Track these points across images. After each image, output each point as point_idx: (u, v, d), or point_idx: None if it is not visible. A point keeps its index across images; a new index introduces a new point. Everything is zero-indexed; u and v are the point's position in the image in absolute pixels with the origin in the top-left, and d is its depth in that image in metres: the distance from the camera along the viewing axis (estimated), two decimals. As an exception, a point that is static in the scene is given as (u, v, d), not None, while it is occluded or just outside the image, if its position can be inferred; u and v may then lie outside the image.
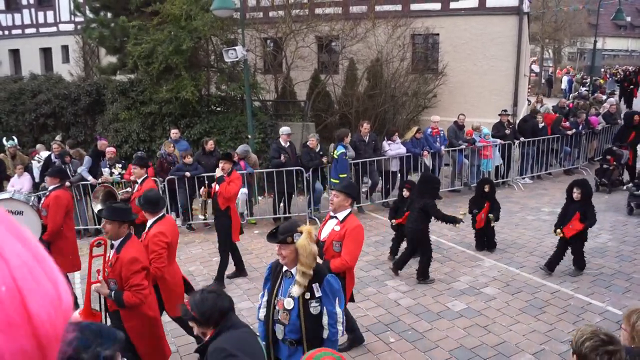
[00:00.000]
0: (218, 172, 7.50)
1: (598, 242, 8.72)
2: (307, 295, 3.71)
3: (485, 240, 8.45)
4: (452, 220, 7.22)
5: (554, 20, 35.95)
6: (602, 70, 33.07)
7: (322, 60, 16.39)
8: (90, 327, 2.00)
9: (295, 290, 3.66)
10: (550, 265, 7.36)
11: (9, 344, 0.58)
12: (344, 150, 9.76)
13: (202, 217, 9.06)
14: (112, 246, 4.59)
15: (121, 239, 4.51)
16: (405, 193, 8.13)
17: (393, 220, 8.19)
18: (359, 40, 14.67)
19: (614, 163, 11.59)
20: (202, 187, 8.31)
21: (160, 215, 5.28)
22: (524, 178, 12.69)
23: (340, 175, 9.64)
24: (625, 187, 11.03)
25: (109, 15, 15.18)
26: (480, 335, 5.91)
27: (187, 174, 9.81)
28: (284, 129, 10.37)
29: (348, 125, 14.35)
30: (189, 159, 10.01)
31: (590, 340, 2.52)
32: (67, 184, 8.58)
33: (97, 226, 9.79)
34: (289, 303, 3.75)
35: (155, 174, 10.35)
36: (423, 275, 7.34)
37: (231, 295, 7.05)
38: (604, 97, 16.67)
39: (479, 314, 6.41)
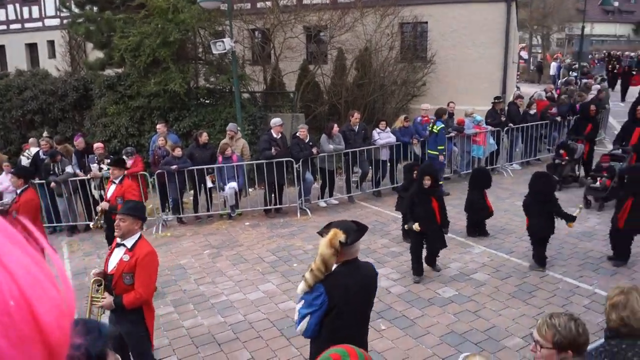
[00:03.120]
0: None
1: (587, 225, 8.81)
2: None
3: (477, 227, 8.54)
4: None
5: (542, 7, 36.06)
6: (590, 56, 33.19)
7: (310, 51, 16.33)
8: (77, 323, 1.95)
9: (300, 288, 3.45)
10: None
11: (22, 358, 0.56)
12: (443, 126, 10.79)
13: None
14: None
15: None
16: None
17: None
18: (347, 29, 14.62)
19: (567, 158, 10.88)
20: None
21: None
22: (512, 164, 12.75)
23: (439, 147, 10.68)
24: (579, 182, 10.71)
25: (95, 9, 15.05)
26: (471, 321, 5.97)
27: (175, 167, 9.77)
28: (276, 120, 10.34)
29: (337, 116, 14.37)
30: (177, 152, 9.97)
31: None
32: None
33: (89, 222, 9.74)
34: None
35: (147, 167, 10.34)
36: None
37: (222, 286, 7.11)
38: (594, 83, 16.68)
39: (469, 299, 6.47)
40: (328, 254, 3.29)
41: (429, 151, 11.01)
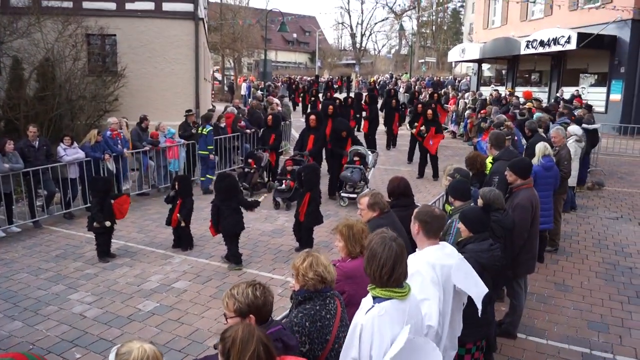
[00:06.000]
0: None
1: (277, 224, 9.63)
2: None
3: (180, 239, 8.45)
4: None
5: (232, 32, 38.50)
6: (274, 79, 36.98)
7: (-24, 59, 14.07)
8: None
9: None
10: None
11: None
12: (211, 128, 12.18)
13: None
14: None
15: None
16: None
17: None
18: (19, 36, 13.02)
19: (255, 166, 11.78)
20: None
21: None
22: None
23: (209, 147, 11.94)
24: (267, 187, 11.82)
25: None
26: (174, 329, 5.85)
27: None
28: None
29: (16, 133, 12.62)
30: None
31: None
32: None
33: None
34: None
35: None
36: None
37: None
38: (275, 99, 18.53)
39: (171, 309, 6.34)
40: None
41: (199, 152, 12.03)
